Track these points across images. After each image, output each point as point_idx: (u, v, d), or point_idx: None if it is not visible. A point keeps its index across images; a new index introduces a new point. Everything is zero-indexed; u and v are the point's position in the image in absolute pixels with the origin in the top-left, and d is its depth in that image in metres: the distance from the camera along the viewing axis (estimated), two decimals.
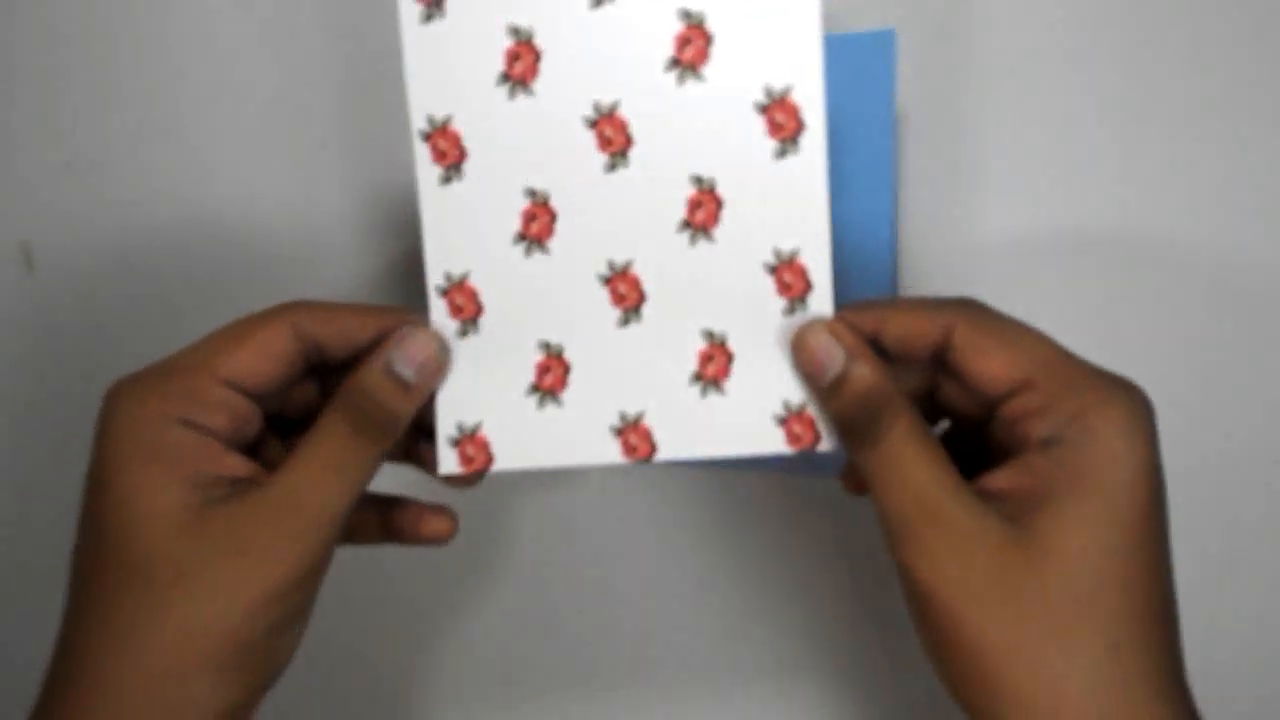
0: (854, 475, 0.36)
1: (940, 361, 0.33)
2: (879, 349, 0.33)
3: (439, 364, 0.34)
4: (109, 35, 0.45)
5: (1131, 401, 0.30)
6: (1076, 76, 0.44)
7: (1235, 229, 0.44)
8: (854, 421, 0.32)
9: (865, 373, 0.32)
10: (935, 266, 0.45)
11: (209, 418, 0.31)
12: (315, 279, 0.47)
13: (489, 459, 0.35)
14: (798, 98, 0.33)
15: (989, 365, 0.31)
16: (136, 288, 0.46)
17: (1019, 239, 0.44)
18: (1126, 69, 0.44)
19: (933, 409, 0.35)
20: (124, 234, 0.46)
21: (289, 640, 0.32)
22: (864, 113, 0.42)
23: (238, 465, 0.32)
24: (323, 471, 0.31)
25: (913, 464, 0.31)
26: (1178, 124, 0.44)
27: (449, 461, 0.35)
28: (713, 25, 0.33)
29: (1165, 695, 0.29)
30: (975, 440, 0.33)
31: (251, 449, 0.33)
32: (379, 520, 0.37)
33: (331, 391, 0.33)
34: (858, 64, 0.42)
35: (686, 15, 0.33)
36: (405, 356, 0.33)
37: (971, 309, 0.33)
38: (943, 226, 0.45)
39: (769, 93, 0.33)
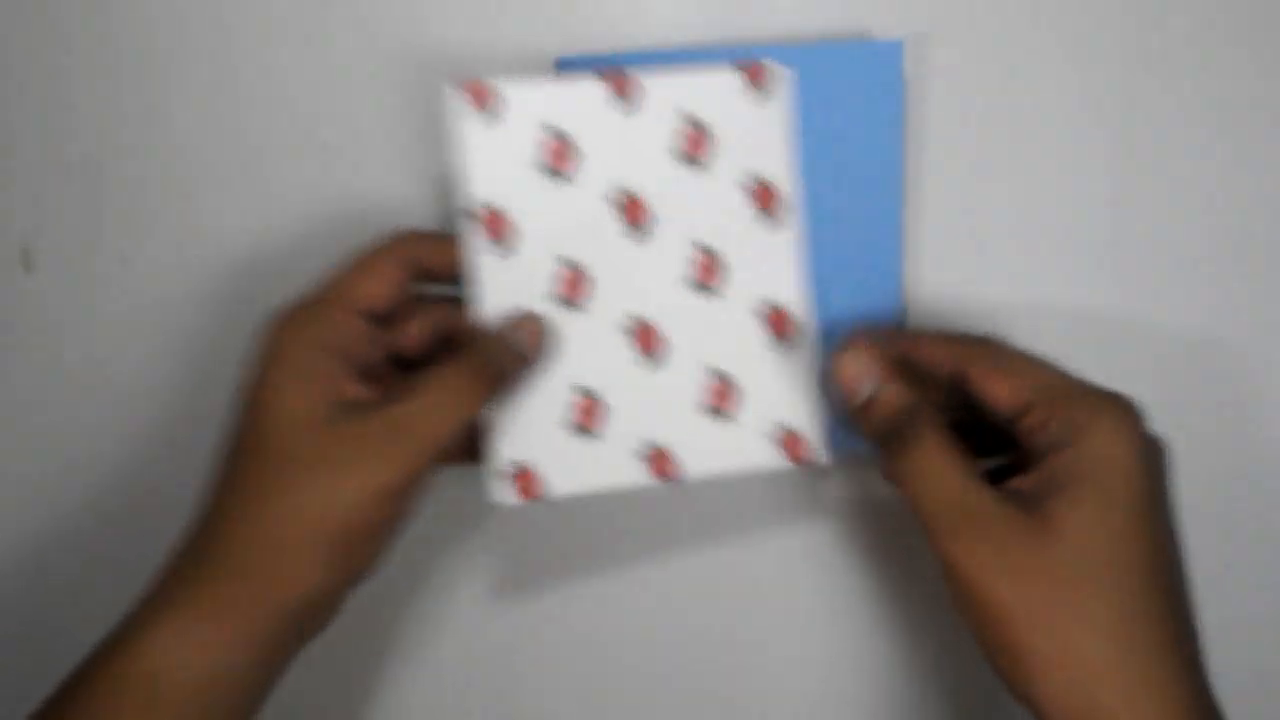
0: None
1: (959, 386, 0.40)
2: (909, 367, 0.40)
3: (543, 341, 0.41)
4: (109, 35, 0.45)
5: (1118, 407, 0.36)
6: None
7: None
8: (886, 435, 0.38)
9: (892, 395, 0.39)
10: (943, 266, 0.47)
11: (345, 345, 0.38)
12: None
13: (540, 489, 0.41)
14: (773, 179, 0.42)
15: (997, 392, 0.38)
16: (136, 288, 0.47)
17: (1025, 234, 0.46)
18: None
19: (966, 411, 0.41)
20: (124, 234, 0.46)
21: (378, 546, 0.38)
22: (873, 123, 0.45)
23: (360, 391, 0.38)
24: (436, 405, 0.37)
25: (942, 471, 0.36)
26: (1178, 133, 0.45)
27: (504, 492, 0.40)
28: (711, 126, 0.41)
29: (1173, 662, 0.34)
30: (1005, 443, 0.40)
31: (376, 376, 0.39)
32: (467, 446, 0.41)
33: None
34: (866, 75, 0.44)
35: (691, 119, 0.41)
36: (515, 331, 0.40)
37: (986, 344, 0.40)
38: (953, 231, 0.47)
39: (753, 176, 0.42)
